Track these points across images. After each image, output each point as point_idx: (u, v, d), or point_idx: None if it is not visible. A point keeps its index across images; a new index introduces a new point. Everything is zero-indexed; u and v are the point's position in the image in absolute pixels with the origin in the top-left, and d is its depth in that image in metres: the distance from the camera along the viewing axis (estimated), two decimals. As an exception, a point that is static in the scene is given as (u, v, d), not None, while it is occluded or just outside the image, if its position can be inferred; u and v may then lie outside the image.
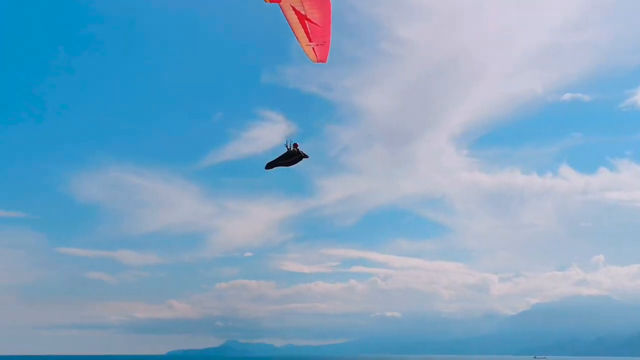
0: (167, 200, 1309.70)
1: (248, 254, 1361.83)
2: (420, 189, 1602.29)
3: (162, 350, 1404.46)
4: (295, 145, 41.69)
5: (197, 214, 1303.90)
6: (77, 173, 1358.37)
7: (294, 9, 43.14)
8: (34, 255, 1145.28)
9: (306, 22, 43.78)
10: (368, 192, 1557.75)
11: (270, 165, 41.58)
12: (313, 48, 45.00)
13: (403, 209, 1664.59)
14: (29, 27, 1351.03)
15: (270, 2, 33.96)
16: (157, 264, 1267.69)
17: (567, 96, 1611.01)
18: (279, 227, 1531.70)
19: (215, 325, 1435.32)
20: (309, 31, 44.28)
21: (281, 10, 42.99)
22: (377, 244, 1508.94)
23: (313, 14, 43.60)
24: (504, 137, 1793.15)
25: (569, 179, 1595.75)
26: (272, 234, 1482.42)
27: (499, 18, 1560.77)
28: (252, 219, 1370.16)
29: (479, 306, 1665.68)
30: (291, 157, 41.65)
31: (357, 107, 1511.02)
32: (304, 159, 42.81)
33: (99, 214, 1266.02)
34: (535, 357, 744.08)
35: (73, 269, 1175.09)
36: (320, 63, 45.59)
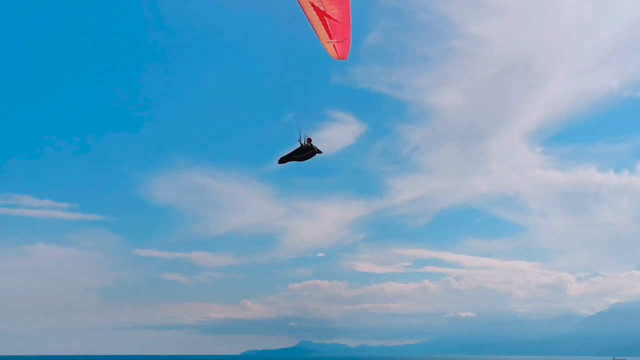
0: (240, 202, 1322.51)
1: (320, 254, 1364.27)
2: (493, 187, 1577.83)
3: (237, 350, 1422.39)
4: (309, 140, 40.86)
5: (270, 215, 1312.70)
6: (153, 176, 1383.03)
7: (312, 5, 42.40)
8: (112, 257, 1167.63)
9: (326, 18, 43.02)
10: (440, 191, 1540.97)
11: (283, 160, 40.86)
12: (334, 45, 44.13)
13: (475, 208, 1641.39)
14: (112, 44, 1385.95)
15: None
16: (231, 265, 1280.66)
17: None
18: (351, 227, 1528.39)
19: (289, 326, 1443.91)
20: (329, 28, 43.44)
21: (300, 7, 42.33)
22: (449, 244, 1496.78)
23: (332, 10, 42.77)
24: (579, 134, 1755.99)
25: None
26: (343, 234, 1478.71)
27: (572, 13, 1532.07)
28: (324, 219, 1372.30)
29: (555, 306, 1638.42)
30: (304, 152, 40.79)
31: (428, 106, 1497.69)
32: (317, 154, 41.83)
33: (174, 216, 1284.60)
34: (614, 358, 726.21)
35: (150, 270, 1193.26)
36: (341, 60, 44.70)
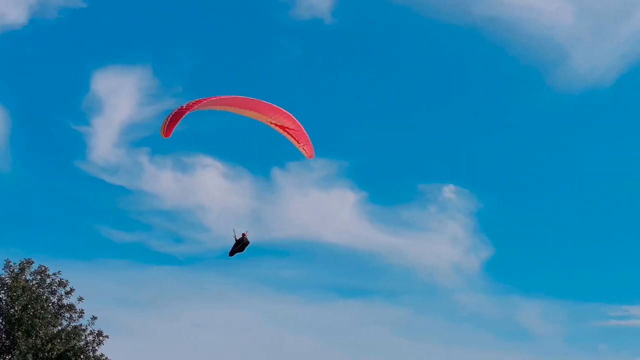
0: None
1: None
2: None
3: None
4: (243, 234, 45.18)
5: None
6: None
7: (271, 123, 53.67)
8: None
9: (286, 130, 53.53)
10: None
11: (231, 254, 44.53)
12: (303, 147, 53.56)
13: None
14: None
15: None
16: None
17: None
18: None
19: None
20: (293, 136, 53.65)
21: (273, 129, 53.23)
22: None
23: (285, 122, 53.36)
24: None
25: None
26: None
27: None
28: None
29: None
30: (238, 244, 44.79)
31: None
32: (247, 244, 45.23)
33: None
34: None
35: None
36: (310, 159, 53.04)
